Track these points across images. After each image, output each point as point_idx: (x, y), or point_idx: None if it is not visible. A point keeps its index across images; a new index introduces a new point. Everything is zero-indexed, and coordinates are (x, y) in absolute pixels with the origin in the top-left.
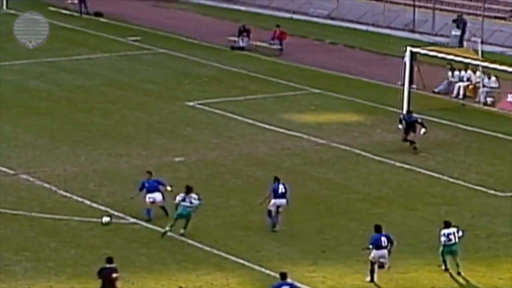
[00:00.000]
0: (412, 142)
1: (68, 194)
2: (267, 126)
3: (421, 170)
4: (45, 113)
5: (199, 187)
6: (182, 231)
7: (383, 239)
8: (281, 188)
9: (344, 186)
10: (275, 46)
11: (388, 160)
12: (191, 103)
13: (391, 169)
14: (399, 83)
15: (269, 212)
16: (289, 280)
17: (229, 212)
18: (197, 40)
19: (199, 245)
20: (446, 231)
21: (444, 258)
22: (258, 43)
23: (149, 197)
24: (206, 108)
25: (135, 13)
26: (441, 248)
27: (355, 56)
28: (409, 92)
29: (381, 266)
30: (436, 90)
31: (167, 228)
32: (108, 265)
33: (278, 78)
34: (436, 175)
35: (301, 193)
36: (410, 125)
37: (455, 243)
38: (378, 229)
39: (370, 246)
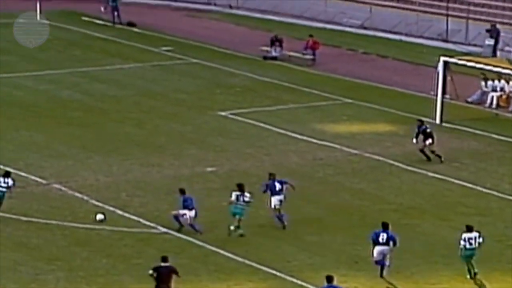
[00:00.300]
0: (432, 151)
1: (100, 204)
2: (299, 136)
3: (454, 180)
4: (78, 123)
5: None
6: (241, 231)
7: (383, 235)
8: (277, 185)
9: (377, 196)
10: (307, 56)
11: (420, 170)
12: (223, 113)
13: (424, 179)
14: (432, 93)
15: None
16: (335, 283)
17: (261, 222)
18: (230, 50)
19: (231, 255)
20: (467, 235)
21: (467, 264)
22: (291, 53)
23: (184, 213)
24: (238, 118)
25: (168, 23)
26: (459, 252)
27: (388, 66)
28: (442, 102)
29: (382, 265)
30: (469, 100)
31: (231, 227)
32: (163, 264)
33: (311, 88)
34: (469, 185)
35: (334, 203)
36: (426, 134)
37: (474, 248)
38: (384, 226)
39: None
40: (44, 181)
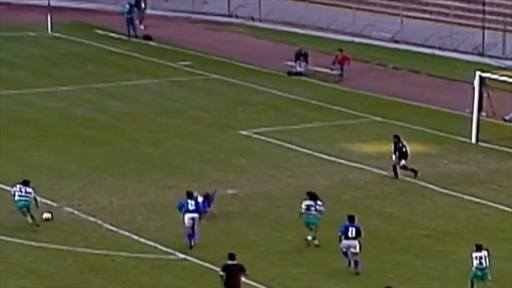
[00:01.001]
0: (404, 167)
1: (114, 228)
2: (326, 157)
3: (492, 204)
4: (91, 142)
5: (253, 221)
6: (316, 242)
7: (352, 229)
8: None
9: (408, 221)
10: (335, 72)
11: (455, 193)
12: (245, 132)
13: (459, 202)
14: (468, 110)
15: None
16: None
17: (285, 248)
18: (252, 65)
19: (253, 283)
20: (477, 254)
21: (472, 283)
22: (317, 68)
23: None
24: (261, 137)
25: (186, 36)
26: (471, 273)
27: (420, 81)
28: (478, 120)
29: (356, 262)
30: (507, 117)
31: (309, 238)
32: (230, 262)
33: (338, 106)
34: (508, 209)
35: (363, 227)
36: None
37: (486, 267)
38: (350, 219)
39: (340, 235)
40: (55, 204)
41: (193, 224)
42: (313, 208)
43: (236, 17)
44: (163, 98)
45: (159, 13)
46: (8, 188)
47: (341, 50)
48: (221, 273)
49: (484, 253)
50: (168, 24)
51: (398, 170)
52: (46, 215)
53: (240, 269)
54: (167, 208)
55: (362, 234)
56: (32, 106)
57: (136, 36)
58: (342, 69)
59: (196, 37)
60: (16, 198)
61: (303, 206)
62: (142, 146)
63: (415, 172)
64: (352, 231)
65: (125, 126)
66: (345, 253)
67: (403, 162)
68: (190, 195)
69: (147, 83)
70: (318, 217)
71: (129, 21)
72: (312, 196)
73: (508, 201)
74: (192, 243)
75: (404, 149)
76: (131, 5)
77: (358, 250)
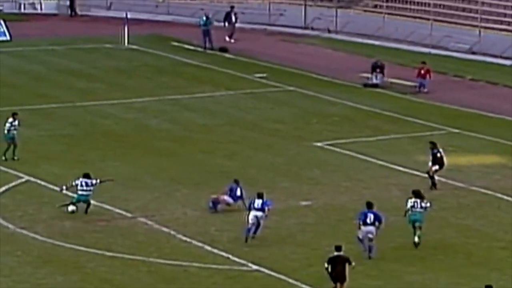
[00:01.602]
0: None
1: (188, 239)
2: (401, 169)
3: None
4: (165, 153)
5: (327, 233)
6: (416, 239)
7: (370, 215)
8: (369, 216)
9: (485, 233)
10: (410, 83)
11: None
12: (319, 144)
13: None
14: None
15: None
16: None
17: (359, 260)
18: (328, 77)
19: None
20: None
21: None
22: (393, 80)
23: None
24: (335, 149)
25: (262, 48)
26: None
27: (499, 93)
28: None
29: (370, 247)
30: None
31: (416, 239)
32: (336, 253)
33: (414, 117)
34: None
35: (438, 240)
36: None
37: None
38: (369, 205)
39: (359, 222)
40: (129, 215)
41: (257, 222)
42: (418, 205)
43: (312, 29)
44: (238, 110)
45: (236, 25)
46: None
47: (424, 63)
48: (326, 265)
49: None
50: (244, 36)
51: (436, 179)
52: (71, 207)
53: (345, 260)
54: (240, 220)
55: (383, 220)
56: (108, 118)
57: (212, 48)
58: (424, 82)
59: (271, 49)
60: (79, 192)
61: (409, 204)
62: (216, 157)
63: (435, 185)
64: (370, 218)
65: (199, 138)
66: (361, 240)
67: (436, 167)
68: (260, 196)
69: (222, 94)
70: (423, 214)
71: (205, 33)
72: (417, 195)
73: None
74: (250, 236)
75: (438, 155)
76: (207, 17)
77: (374, 235)
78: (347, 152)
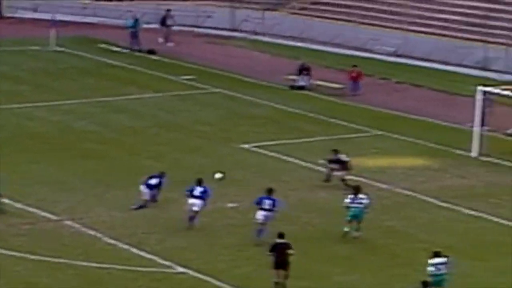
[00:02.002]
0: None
1: (114, 242)
2: (326, 171)
3: (492, 218)
4: (93, 155)
5: (254, 235)
6: (356, 234)
7: (267, 201)
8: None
9: (408, 234)
10: (336, 85)
11: (455, 207)
12: (246, 146)
13: (459, 216)
14: (469, 124)
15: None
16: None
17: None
18: (255, 79)
19: None
20: (434, 261)
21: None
22: (319, 82)
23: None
24: (262, 150)
25: (189, 50)
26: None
27: (422, 95)
28: (481, 134)
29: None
30: (509, 132)
31: (346, 229)
32: (279, 240)
33: (339, 119)
34: (509, 223)
35: (363, 241)
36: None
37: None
38: (268, 191)
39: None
40: (55, 217)
41: (265, 221)
42: (356, 201)
43: (240, 31)
44: (165, 112)
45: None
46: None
47: (355, 66)
48: (269, 253)
49: (442, 259)
50: (172, 38)
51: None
52: (218, 175)
53: (287, 247)
54: (168, 221)
55: (281, 206)
56: (34, 120)
57: (140, 50)
58: (357, 85)
59: (199, 51)
60: None
61: (348, 200)
62: (144, 160)
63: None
64: (265, 203)
65: (127, 140)
66: (258, 222)
67: (342, 173)
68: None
69: (150, 97)
70: (362, 210)
71: (133, 35)
72: (356, 191)
73: (508, 215)
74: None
75: (344, 159)
76: (136, 19)
77: (267, 221)
78: (274, 154)
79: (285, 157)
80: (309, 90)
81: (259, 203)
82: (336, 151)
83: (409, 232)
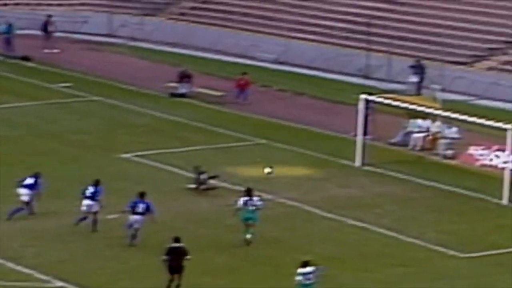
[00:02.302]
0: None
1: None
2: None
3: (376, 229)
4: None
5: (135, 247)
6: (249, 236)
7: (140, 205)
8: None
9: (293, 245)
10: (218, 93)
11: (340, 217)
12: (127, 155)
13: (344, 227)
14: (353, 133)
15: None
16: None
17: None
18: (134, 87)
19: None
20: (303, 270)
21: None
22: (201, 90)
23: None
24: (143, 160)
25: (66, 57)
26: None
27: (305, 104)
28: (364, 144)
29: (135, 236)
30: (392, 141)
31: (248, 236)
32: (174, 244)
33: (222, 128)
34: (393, 234)
35: (247, 252)
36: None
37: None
38: (140, 195)
39: (127, 209)
40: None
41: (89, 210)
42: (249, 203)
43: (118, 37)
44: (42, 121)
45: (37, 32)
46: None
47: (245, 74)
48: (164, 257)
49: (311, 269)
50: (47, 44)
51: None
52: (267, 169)
53: (183, 251)
54: (46, 234)
55: (153, 210)
56: None
57: (14, 57)
58: (245, 94)
59: (76, 58)
60: None
61: (241, 202)
62: (18, 170)
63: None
64: (139, 207)
65: (1, 150)
66: (130, 226)
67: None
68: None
69: (25, 105)
70: (255, 212)
71: (7, 41)
72: (249, 193)
73: (392, 226)
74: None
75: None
76: (9, 25)
77: (140, 226)
78: (155, 164)
79: (167, 167)
80: (190, 97)
81: (132, 207)
82: (197, 168)
83: (293, 243)
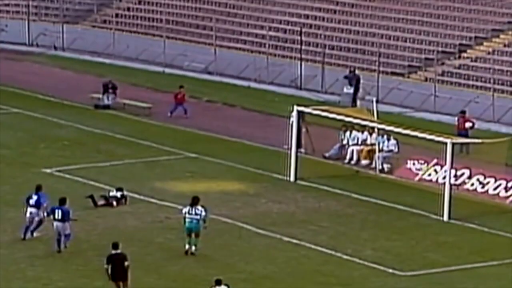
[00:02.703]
0: None
1: None
2: (136, 196)
3: (311, 246)
4: None
5: (59, 266)
6: (193, 249)
7: (58, 211)
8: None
9: (225, 263)
10: (144, 104)
11: (274, 234)
12: (48, 170)
13: (278, 244)
14: (285, 146)
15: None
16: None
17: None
18: (56, 98)
19: None
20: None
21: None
22: (126, 101)
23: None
24: (66, 175)
25: None
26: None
27: (236, 115)
28: (297, 157)
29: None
30: (326, 154)
31: (187, 247)
32: (114, 251)
33: (149, 141)
34: (328, 251)
35: (177, 272)
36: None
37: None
38: (61, 201)
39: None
40: None
41: (32, 219)
42: (193, 211)
43: (37, 45)
44: None
45: None
46: None
47: (182, 87)
48: (106, 266)
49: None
50: None
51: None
52: None
53: (124, 258)
54: None
55: (71, 216)
56: None
57: None
58: (183, 107)
59: None
60: None
61: (184, 211)
62: None
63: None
64: (58, 213)
65: None
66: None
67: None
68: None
69: None
70: (198, 222)
71: None
72: (194, 201)
73: (328, 243)
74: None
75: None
76: None
77: (69, 231)
78: (78, 179)
79: (91, 182)
80: (115, 109)
81: (52, 214)
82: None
83: (226, 262)
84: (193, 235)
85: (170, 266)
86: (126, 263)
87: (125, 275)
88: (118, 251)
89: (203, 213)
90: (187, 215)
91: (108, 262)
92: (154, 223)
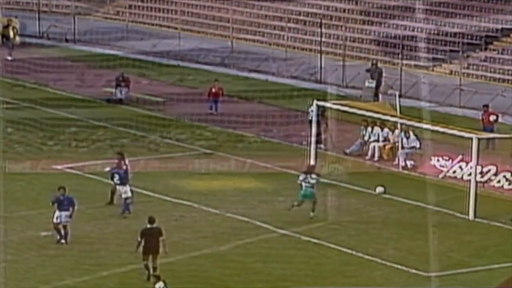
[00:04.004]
0: None
1: None
2: (151, 193)
3: (332, 245)
4: None
5: (70, 266)
6: (311, 214)
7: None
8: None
9: (242, 263)
10: (158, 99)
11: (293, 234)
12: (59, 167)
13: (297, 244)
14: (304, 142)
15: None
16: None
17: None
18: (67, 92)
19: None
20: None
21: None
22: (139, 95)
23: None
24: (78, 172)
25: None
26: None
27: (253, 110)
28: (316, 154)
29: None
30: (347, 151)
31: (295, 203)
32: (150, 226)
33: (163, 137)
34: (349, 251)
35: (192, 271)
36: None
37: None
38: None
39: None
40: None
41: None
42: (307, 180)
43: (48, 38)
44: None
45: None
46: None
47: (217, 80)
48: (139, 239)
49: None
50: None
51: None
52: (379, 189)
53: (159, 232)
54: None
55: (75, 206)
56: None
57: None
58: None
59: None
60: None
61: (300, 177)
62: None
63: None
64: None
65: None
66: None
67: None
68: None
69: None
70: (312, 190)
71: None
72: (309, 169)
73: (349, 242)
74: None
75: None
76: None
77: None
78: (90, 176)
79: (103, 179)
80: (128, 104)
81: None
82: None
83: (243, 262)
84: (309, 201)
85: (184, 265)
86: (161, 238)
87: (157, 249)
88: (154, 225)
89: (314, 181)
90: (303, 183)
91: (142, 236)
92: (169, 222)
